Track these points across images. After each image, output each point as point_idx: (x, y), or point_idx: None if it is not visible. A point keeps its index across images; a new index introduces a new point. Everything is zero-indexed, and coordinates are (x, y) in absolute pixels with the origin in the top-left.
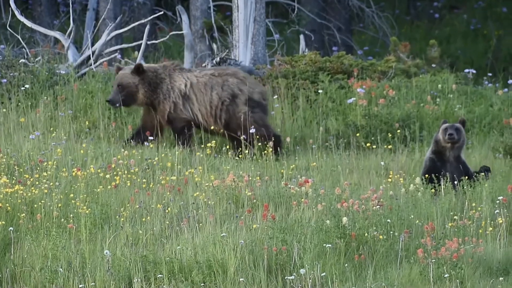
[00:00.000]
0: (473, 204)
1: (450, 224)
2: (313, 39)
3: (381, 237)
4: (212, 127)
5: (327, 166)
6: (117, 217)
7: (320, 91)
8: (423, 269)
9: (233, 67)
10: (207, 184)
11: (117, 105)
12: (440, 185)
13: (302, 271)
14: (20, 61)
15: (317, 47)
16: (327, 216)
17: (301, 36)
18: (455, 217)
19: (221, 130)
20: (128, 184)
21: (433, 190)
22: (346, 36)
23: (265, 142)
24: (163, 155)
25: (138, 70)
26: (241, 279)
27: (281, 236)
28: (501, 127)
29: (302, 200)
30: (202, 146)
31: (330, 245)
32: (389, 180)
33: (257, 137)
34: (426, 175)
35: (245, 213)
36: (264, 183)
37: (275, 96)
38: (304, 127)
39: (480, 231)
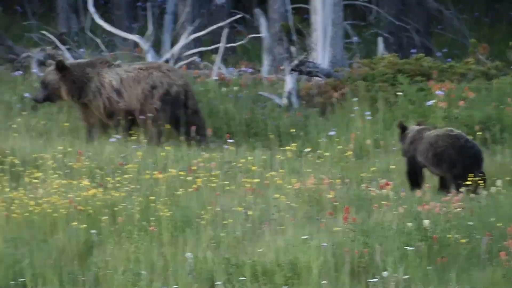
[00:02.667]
0: None
1: None
2: (392, 41)
3: (462, 240)
4: (138, 120)
5: None
6: (198, 219)
7: (399, 93)
8: (506, 272)
9: (160, 62)
10: (288, 186)
11: (40, 102)
12: None
13: (384, 274)
14: None
15: (395, 49)
16: (408, 219)
17: (380, 39)
18: None
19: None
20: (210, 186)
21: None
22: (424, 38)
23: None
24: (243, 159)
25: (59, 67)
26: (324, 282)
27: (363, 238)
28: None
29: (383, 202)
30: (282, 148)
31: (412, 248)
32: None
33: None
34: None
35: (326, 215)
36: (345, 186)
37: (355, 99)
38: (384, 130)
39: None
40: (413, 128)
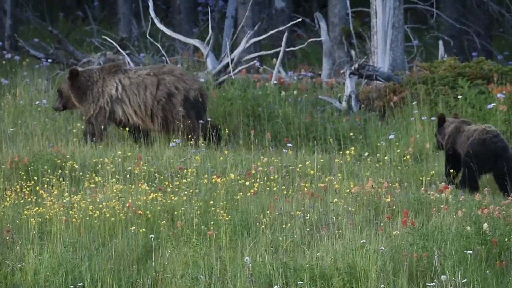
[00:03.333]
0: None
1: None
2: (452, 45)
3: None
4: (149, 127)
5: None
6: (257, 224)
7: (459, 96)
8: None
9: (170, 65)
10: (347, 190)
11: (59, 110)
12: None
13: (443, 277)
14: None
15: (456, 52)
16: (468, 223)
17: (440, 42)
18: None
19: (159, 129)
20: (269, 190)
21: None
22: (485, 41)
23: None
24: (300, 164)
25: (71, 75)
26: (382, 286)
27: (422, 242)
28: None
29: (442, 206)
30: (341, 152)
31: (471, 252)
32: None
33: (189, 136)
34: None
35: (384, 219)
36: (404, 189)
37: (414, 102)
38: None
39: None
40: (452, 120)
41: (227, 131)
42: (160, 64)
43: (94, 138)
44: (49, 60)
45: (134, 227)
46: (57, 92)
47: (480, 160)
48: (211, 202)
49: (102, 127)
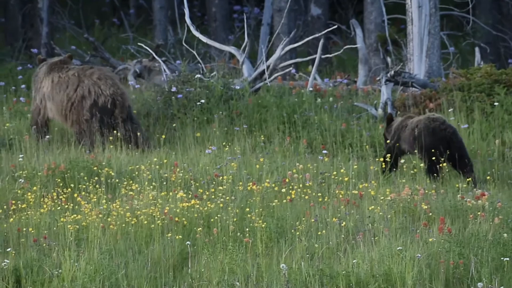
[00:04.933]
0: None
1: None
2: (489, 51)
3: None
4: (66, 127)
5: (503, 178)
6: (292, 230)
7: (496, 103)
8: None
9: (97, 68)
10: (382, 197)
11: None
12: None
13: (479, 285)
14: (195, 76)
15: (492, 59)
16: (504, 230)
17: (476, 49)
18: None
19: (74, 131)
20: (304, 197)
21: None
22: None
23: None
24: (336, 171)
25: (38, 63)
26: None
27: (458, 249)
28: None
29: (479, 213)
30: (377, 159)
31: (507, 259)
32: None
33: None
34: None
35: (421, 226)
36: (440, 196)
37: (450, 109)
38: (480, 140)
39: None
40: (396, 120)
41: (262, 138)
42: (88, 66)
43: (36, 133)
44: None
45: (170, 234)
46: None
47: (434, 149)
48: (247, 209)
49: (39, 122)
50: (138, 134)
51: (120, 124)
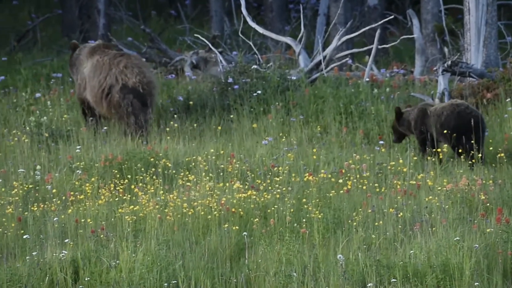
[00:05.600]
0: None
1: None
2: None
3: None
4: (100, 112)
5: None
6: (349, 221)
7: None
8: None
9: (128, 54)
10: (440, 188)
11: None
12: None
13: None
14: (252, 67)
15: None
16: None
17: None
18: None
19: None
20: (361, 188)
21: None
22: None
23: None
24: (393, 161)
25: (71, 49)
26: (476, 284)
27: None
28: None
29: None
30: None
31: None
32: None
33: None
34: None
35: (478, 217)
36: (498, 187)
37: (508, 99)
38: None
39: None
40: (411, 108)
41: (319, 129)
42: (119, 53)
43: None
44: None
45: (227, 225)
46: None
47: (461, 133)
48: (304, 199)
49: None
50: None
51: (138, 110)
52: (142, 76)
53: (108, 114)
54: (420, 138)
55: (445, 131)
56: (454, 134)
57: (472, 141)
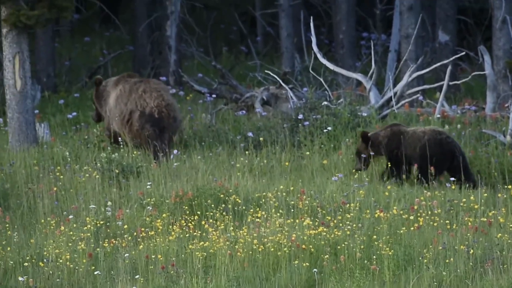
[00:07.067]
0: None
1: None
2: None
3: None
4: (125, 140)
5: None
6: (420, 258)
7: None
8: None
9: (148, 80)
10: (511, 225)
11: (96, 122)
12: None
13: None
14: (322, 104)
15: None
16: None
17: None
18: None
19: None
20: (432, 225)
21: None
22: None
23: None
24: (464, 198)
25: (95, 84)
26: None
27: None
28: None
29: None
30: (506, 186)
31: None
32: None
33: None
34: None
35: None
36: None
37: None
38: None
39: None
40: (379, 130)
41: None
42: (140, 79)
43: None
44: (213, 95)
45: (297, 261)
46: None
47: (439, 160)
48: (374, 236)
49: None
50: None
51: (160, 134)
52: (161, 99)
53: (131, 142)
54: (393, 159)
55: (422, 155)
56: (435, 159)
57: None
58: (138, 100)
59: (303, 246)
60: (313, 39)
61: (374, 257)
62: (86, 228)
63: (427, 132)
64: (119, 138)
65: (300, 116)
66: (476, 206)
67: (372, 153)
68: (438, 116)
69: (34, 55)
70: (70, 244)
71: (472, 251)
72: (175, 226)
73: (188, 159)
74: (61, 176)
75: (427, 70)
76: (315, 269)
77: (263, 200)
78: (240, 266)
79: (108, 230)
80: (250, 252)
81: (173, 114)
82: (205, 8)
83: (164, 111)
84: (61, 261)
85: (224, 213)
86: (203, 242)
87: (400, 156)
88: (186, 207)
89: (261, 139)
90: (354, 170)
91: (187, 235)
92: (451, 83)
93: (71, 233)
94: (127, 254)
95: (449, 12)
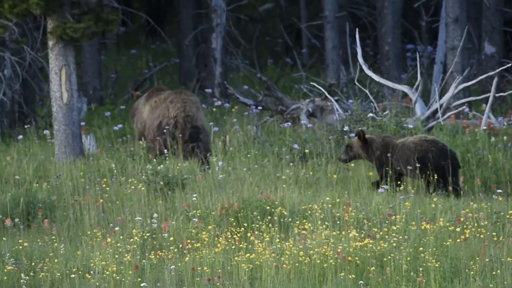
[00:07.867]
0: None
1: None
2: None
3: None
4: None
5: None
6: (466, 270)
7: None
8: None
9: (178, 91)
10: None
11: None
12: None
13: None
14: (368, 116)
15: None
16: None
17: None
18: None
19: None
20: (479, 237)
21: None
22: None
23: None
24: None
25: (134, 100)
26: None
27: None
28: None
29: None
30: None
31: None
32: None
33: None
34: None
35: None
36: None
37: None
38: None
39: None
40: (375, 137)
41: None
42: (172, 91)
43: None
44: (259, 107)
45: (343, 274)
46: None
47: (438, 167)
48: (421, 248)
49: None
50: (199, 154)
51: (182, 145)
52: (181, 110)
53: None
54: (380, 168)
55: (418, 165)
56: (430, 168)
57: (449, 176)
58: (161, 111)
59: (349, 258)
60: (359, 50)
61: (421, 269)
62: (132, 240)
63: (416, 142)
64: (165, 150)
65: (346, 128)
66: None
67: (360, 154)
68: (484, 128)
69: (81, 68)
70: (116, 256)
71: None
72: (221, 238)
73: (233, 171)
74: (107, 188)
75: (473, 82)
76: (361, 281)
77: (309, 212)
78: (286, 278)
79: (154, 242)
80: (296, 264)
81: (191, 124)
82: (250, 21)
83: (181, 122)
84: (107, 273)
85: (270, 225)
86: (249, 254)
87: (384, 167)
88: (232, 219)
89: (306, 151)
90: (338, 160)
91: (233, 247)
92: (497, 94)
93: (118, 245)
94: (173, 266)
95: (495, 24)
